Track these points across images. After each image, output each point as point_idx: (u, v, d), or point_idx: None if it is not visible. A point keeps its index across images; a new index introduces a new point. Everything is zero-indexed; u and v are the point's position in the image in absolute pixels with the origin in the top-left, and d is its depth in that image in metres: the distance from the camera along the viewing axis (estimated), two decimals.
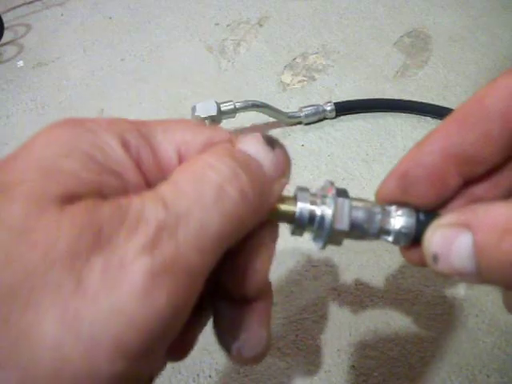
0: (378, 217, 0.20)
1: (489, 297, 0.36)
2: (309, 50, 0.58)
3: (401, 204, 0.20)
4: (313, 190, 0.20)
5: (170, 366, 0.35)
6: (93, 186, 0.14)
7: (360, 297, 0.37)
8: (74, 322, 0.12)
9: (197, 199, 0.15)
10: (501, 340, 0.34)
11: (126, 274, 0.13)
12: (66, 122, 0.16)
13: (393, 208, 0.20)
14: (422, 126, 0.48)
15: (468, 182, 0.20)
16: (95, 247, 0.13)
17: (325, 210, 0.19)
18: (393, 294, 0.37)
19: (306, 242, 0.41)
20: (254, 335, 0.19)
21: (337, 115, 0.50)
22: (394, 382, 0.34)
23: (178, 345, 0.19)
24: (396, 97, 0.51)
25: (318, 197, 0.19)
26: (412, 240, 0.20)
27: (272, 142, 0.18)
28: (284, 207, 0.19)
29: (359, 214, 0.19)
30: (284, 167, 0.18)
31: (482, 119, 0.18)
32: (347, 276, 0.39)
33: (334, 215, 0.19)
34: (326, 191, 0.20)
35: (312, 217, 0.19)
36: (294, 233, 0.20)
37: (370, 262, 0.39)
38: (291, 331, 0.36)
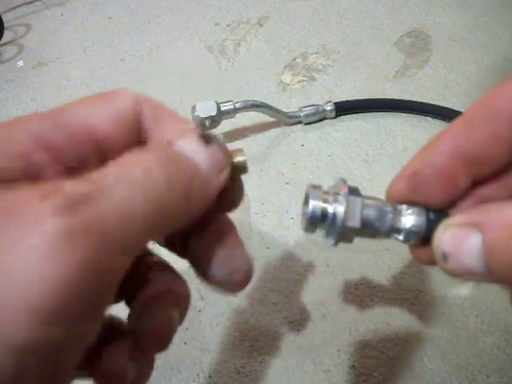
0: (389, 215, 0.20)
1: (489, 297, 0.36)
2: (309, 49, 0.58)
3: (411, 203, 0.21)
4: (325, 188, 0.20)
5: (169, 365, 0.35)
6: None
7: (360, 297, 0.37)
8: None
9: (122, 176, 0.15)
10: (501, 340, 0.34)
11: (37, 233, 0.12)
12: None
13: (403, 207, 0.20)
14: (422, 126, 0.48)
15: (476, 183, 0.20)
16: (5, 217, 0.13)
17: (337, 208, 0.19)
18: (393, 294, 0.37)
19: (306, 242, 0.41)
20: (239, 260, 0.19)
21: (337, 115, 0.50)
22: (394, 382, 0.34)
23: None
24: (396, 97, 0.51)
25: (330, 194, 0.20)
26: (422, 239, 0.20)
27: (207, 139, 0.18)
28: (237, 160, 0.19)
29: (371, 212, 0.20)
30: (221, 163, 0.18)
31: (490, 120, 0.19)
32: (347, 276, 0.39)
33: (345, 213, 0.19)
34: (338, 189, 0.20)
35: (324, 214, 0.19)
36: (306, 230, 0.20)
37: (369, 262, 0.39)
38: (291, 331, 0.36)
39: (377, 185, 0.43)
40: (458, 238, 0.17)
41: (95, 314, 0.14)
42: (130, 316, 0.19)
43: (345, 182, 0.20)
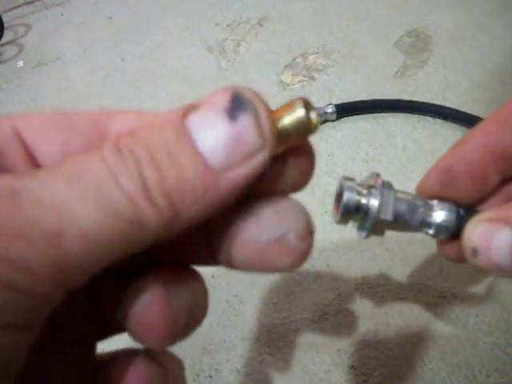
0: (421, 209, 0.20)
1: (489, 297, 0.36)
2: (309, 50, 0.58)
3: (442, 198, 0.21)
4: (358, 181, 0.20)
5: None
6: None
7: (360, 297, 0.37)
8: None
9: (65, 168, 0.12)
10: (501, 340, 0.34)
11: None
12: None
13: (435, 202, 0.21)
14: (422, 125, 0.48)
15: (506, 180, 0.21)
16: None
17: (371, 201, 0.19)
18: (393, 294, 0.37)
19: None
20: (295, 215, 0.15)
21: (338, 117, 0.50)
22: (394, 381, 0.34)
23: None
24: (396, 97, 0.51)
25: (364, 187, 0.20)
26: (451, 234, 0.20)
27: (234, 110, 0.12)
28: (296, 117, 0.14)
29: (403, 206, 0.20)
30: (249, 143, 0.12)
31: None
32: (347, 276, 0.39)
33: (379, 206, 0.19)
34: (371, 182, 0.20)
35: (358, 207, 0.19)
36: (339, 222, 0.20)
37: (369, 262, 0.39)
38: (291, 331, 0.36)
39: None
40: (488, 233, 0.17)
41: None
42: None
43: (378, 175, 0.20)
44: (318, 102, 0.50)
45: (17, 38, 0.67)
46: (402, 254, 0.39)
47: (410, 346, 0.35)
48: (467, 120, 0.46)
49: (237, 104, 0.12)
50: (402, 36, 0.58)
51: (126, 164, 0.12)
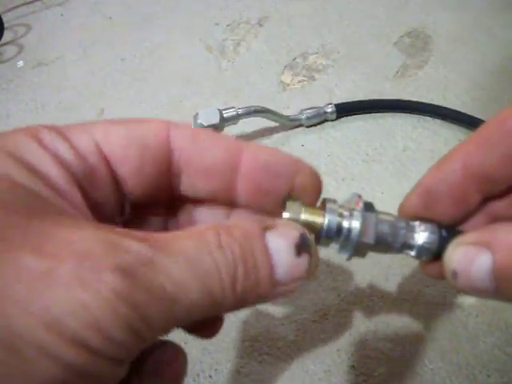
0: (403, 231, 0.20)
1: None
2: (309, 49, 0.58)
3: (424, 220, 0.21)
4: (340, 202, 0.20)
5: None
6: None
7: (360, 297, 0.37)
8: (31, 302, 0.13)
9: (186, 252, 0.15)
10: (501, 340, 0.34)
11: (99, 280, 0.13)
12: None
13: (416, 223, 0.21)
14: (422, 125, 0.48)
15: (487, 199, 0.21)
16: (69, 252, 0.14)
17: (352, 223, 0.19)
18: (393, 294, 0.37)
19: None
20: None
21: (337, 117, 0.50)
22: (394, 381, 0.34)
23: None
24: (396, 97, 0.51)
25: (346, 209, 0.20)
26: (433, 255, 0.20)
27: (301, 248, 0.17)
28: (311, 219, 0.19)
29: (385, 229, 0.20)
30: (301, 274, 0.17)
31: (503, 140, 0.19)
32: (347, 276, 0.39)
33: (361, 229, 0.19)
34: (353, 204, 0.20)
35: (339, 229, 0.19)
36: (320, 243, 0.20)
37: (370, 262, 0.39)
38: (291, 331, 0.36)
39: (376, 185, 0.43)
40: (469, 256, 0.18)
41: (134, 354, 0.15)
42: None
43: (360, 197, 0.20)
44: (318, 102, 0.50)
45: (17, 38, 0.67)
46: (403, 255, 0.39)
47: (410, 346, 0.35)
48: (466, 120, 0.46)
49: (302, 243, 0.17)
50: (402, 36, 0.58)
51: (227, 260, 0.16)
